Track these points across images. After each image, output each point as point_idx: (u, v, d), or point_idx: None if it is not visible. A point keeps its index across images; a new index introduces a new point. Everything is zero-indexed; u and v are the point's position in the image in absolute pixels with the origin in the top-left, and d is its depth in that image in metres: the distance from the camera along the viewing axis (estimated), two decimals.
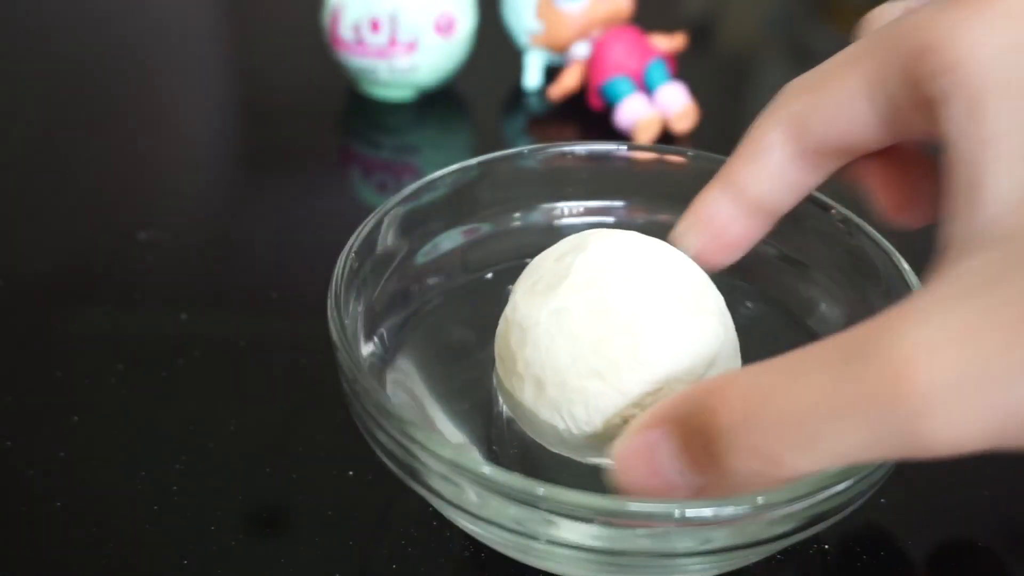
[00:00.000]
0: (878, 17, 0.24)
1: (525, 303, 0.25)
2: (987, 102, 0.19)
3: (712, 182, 0.26)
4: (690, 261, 0.26)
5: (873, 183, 0.25)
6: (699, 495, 0.20)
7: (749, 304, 0.32)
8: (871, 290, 0.29)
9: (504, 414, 0.28)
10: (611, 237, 0.26)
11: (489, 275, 0.32)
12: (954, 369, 0.16)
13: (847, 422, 0.17)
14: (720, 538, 0.21)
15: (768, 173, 0.25)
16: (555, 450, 0.26)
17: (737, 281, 0.32)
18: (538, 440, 0.26)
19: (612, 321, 0.24)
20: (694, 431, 0.19)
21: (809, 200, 0.30)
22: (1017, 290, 0.16)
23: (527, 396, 0.25)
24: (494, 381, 0.27)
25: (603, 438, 0.24)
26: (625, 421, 0.24)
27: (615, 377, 0.24)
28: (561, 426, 0.24)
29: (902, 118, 0.22)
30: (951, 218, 0.19)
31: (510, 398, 0.26)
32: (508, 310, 0.26)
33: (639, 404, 0.24)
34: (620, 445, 0.21)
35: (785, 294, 0.31)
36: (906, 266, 0.27)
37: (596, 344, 0.24)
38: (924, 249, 0.28)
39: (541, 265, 0.26)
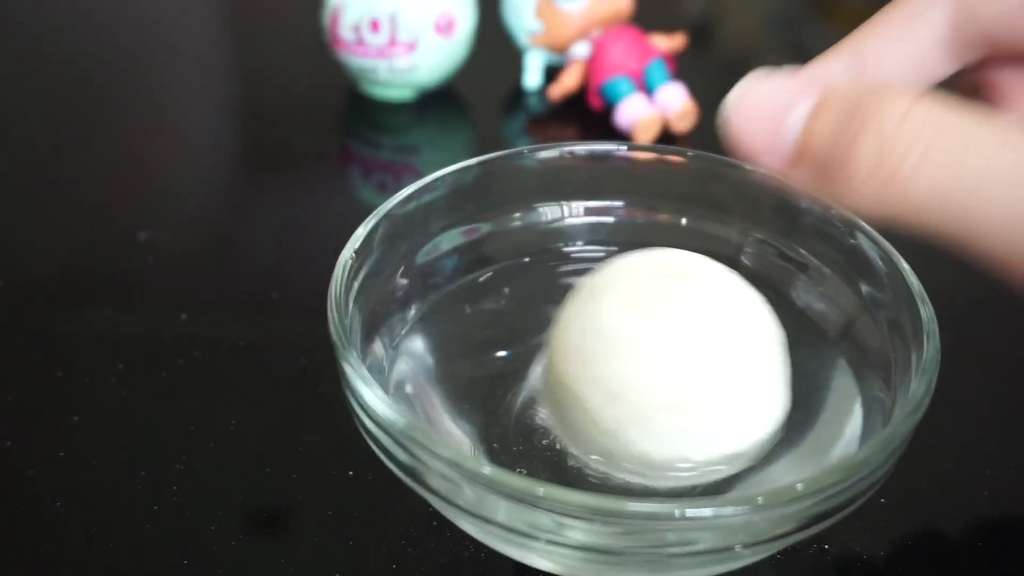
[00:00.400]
0: None
1: (621, 315, 0.25)
2: None
3: (835, 52, 0.23)
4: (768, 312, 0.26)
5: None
6: (793, 168, 0.19)
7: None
8: (871, 290, 0.29)
9: (514, 411, 0.28)
10: (715, 273, 0.26)
11: (489, 275, 0.32)
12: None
13: (1005, 200, 0.16)
14: (720, 538, 0.21)
15: (909, 54, 0.22)
16: (587, 457, 0.26)
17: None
18: (570, 442, 0.26)
19: (710, 366, 0.24)
20: (844, 107, 0.18)
21: (809, 200, 0.30)
22: None
23: (592, 403, 0.25)
24: (537, 372, 0.27)
25: (645, 464, 0.25)
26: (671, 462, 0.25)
27: (690, 424, 0.24)
28: (613, 443, 0.25)
29: None
30: None
31: (567, 396, 0.26)
32: (591, 312, 0.26)
33: (687, 457, 0.25)
34: (751, 87, 0.19)
35: (785, 294, 0.31)
36: (906, 266, 0.27)
37: (688, 383, 0.24)
38: (924, 249, 0.28)
39: (635, 279, 0.26)
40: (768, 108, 0.19)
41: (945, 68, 0.23)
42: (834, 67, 0.23)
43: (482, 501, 0.22)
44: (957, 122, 0.17)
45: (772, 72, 0.20)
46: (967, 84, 0.24)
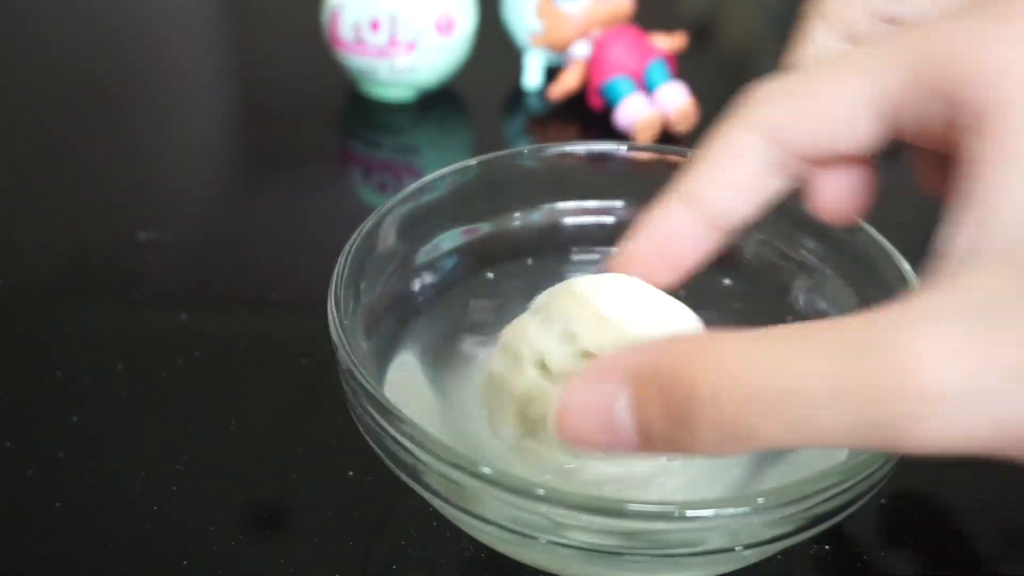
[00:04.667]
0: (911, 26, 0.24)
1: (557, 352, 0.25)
2: (1014, 120, 0.19)
3: (668, 196, 0.25)
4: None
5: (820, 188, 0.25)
6: (649, 449, 0.19)
7: (748, 303, 0.31)
8: (871, 290, 0.29)
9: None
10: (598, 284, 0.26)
11: (489, 275, 0.32)
12: (960, 377, 0.17)
13: (833, 407, 0.17)
14: (720, 538, 0.21)
15: (736, 184, 0.24)
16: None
17: (736, 281, 0.32)
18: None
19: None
20: (661, 390, 0.19)
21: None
22: None
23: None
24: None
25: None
26: None
27: None
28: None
29: (908, 126, 0.22)
30: (962, 226, 0.19)
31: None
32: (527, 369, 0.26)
33: None
34: (569, 394, 0.20)
35: (785, 294, 0.31)
36: (906, 266, 0.27)
37: None
38: (924, 249, 0.28)
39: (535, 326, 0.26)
40: (592, 406, 0.20)
41: (775, 187, 0.24)
42: (672, 211, 0.25)
43: (482, 501, 0.22)
44: (761, 361, 0.18)
45: (584, 373, 0.20)
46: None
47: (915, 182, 0.26)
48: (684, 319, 0.26)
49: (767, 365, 0.18)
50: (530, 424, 0.25)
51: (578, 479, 0.25)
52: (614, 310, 0.25)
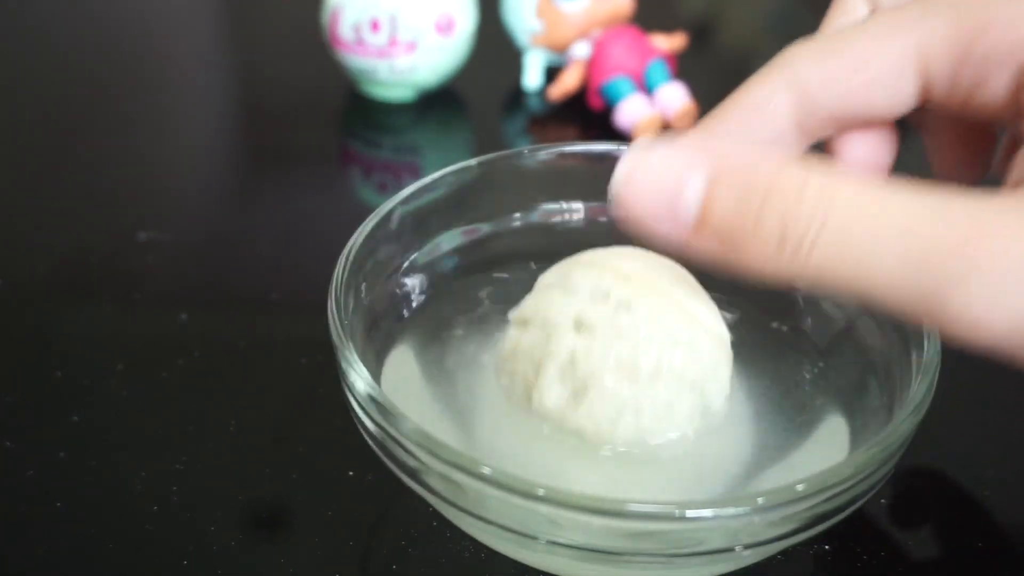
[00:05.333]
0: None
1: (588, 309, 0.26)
2: None
3: (681, 146, 0.24)
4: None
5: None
6: (696, 240, 0.19)
7: (748, 303, 0.31)
8: None
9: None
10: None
11: (489, 275, 0.32)
12: (1014, 259, 0.17)
13: (897, 256, 0.18)
14: (720, 538, 0.21)
15: (759, 138, 0.24)
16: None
17: (735, 280, 0.32)
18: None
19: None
20: (743, 179, 0.19)
21: None
22: None
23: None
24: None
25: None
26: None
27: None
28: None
29: (952, 89, 0.22)
30: None
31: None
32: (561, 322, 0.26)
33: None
34: (642, 158, 0.20)
35: (785, 294, 0.31)
36: None
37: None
38: None
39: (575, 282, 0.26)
40: (662, 182, 0.19)
41: (794, 147, 0.24)
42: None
43: (482, 501, 0.22)
44: (848, 191, 0.18)
45: (655, 142, 0.20)
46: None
47: (932, 165, 0.25)
48: (691, 279, 0.27)
49: (852, 197, 0.18)
50: (579, 384, 0.25)
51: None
52: (634, 269, 0.26)
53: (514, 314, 0.28)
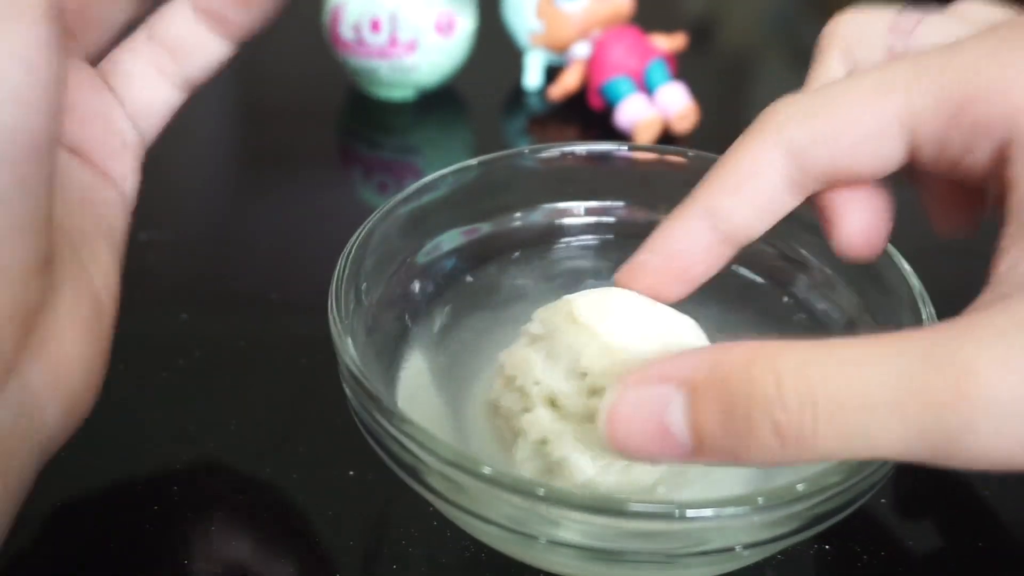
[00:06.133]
0: (847, 23, 0.24)
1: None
2: None
3: (684, 210, 0.25)
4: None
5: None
6: (701, 457, 0.19)
7: (747, 303, 0.32)
8: (871, 290, 0.29)
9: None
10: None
11: (489, 275, 0.32)
12: (1015, 389, 0.17)
13: (894, 417, 0.18)
14: (720, 538, 0.21)
15: (754, 201, 0.24)
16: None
17: (736, 280, 0.32)
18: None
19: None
20: (720, 394, 0.19)
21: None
22: None
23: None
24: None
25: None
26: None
27: None
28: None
29: (927, 149, 0.22)
30: (1012, 250, 0.20)
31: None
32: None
33: None
34: (619, 399, 0.20)
35: (785, 294, 0.31)
36: (907, 266, 0.27)
37: None
38: (924, 249, 0.28)
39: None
40: (644, 421, 0.19)
41: (790, 204, 0.25)
42: (689, 226, 0.25)
43: (482, 501, 0.22)
44: (823, 369, 0.18)
45: (627, 378, 0.20)
46: (807, 205, 0.25)
47: (928, 218, 0.26)
48: (691, 336, 0.26)
49: (830, 371, 0.18)
50: (551, 464, 0.25)
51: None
52: (621, 337, 0.25)
53: (501, 357, 0.27)
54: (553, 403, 0.25)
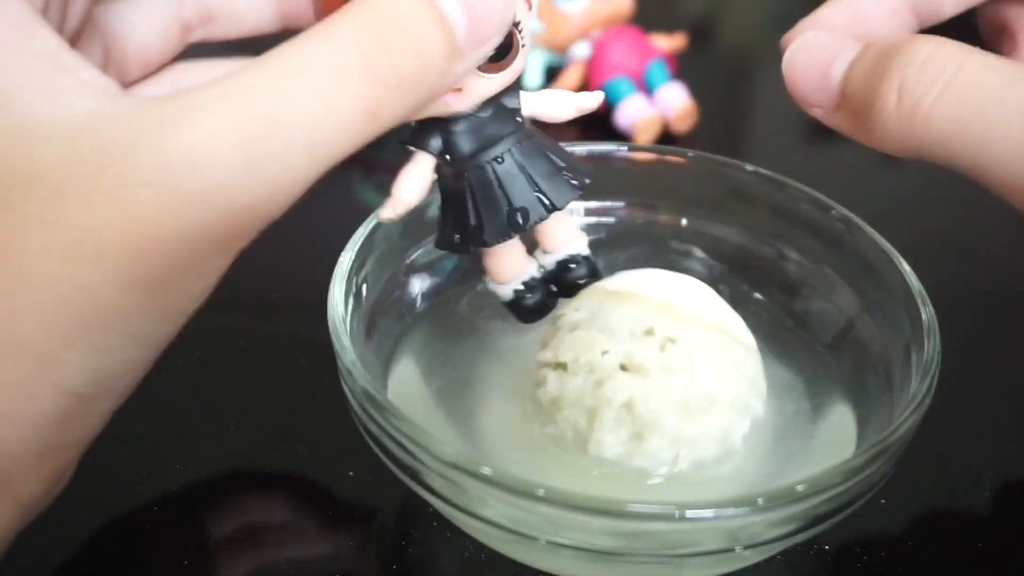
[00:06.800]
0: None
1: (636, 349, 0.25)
2: None
3: (831, 3, 0.25)
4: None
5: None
6: (839, 110, 0.20)
7: (747, 303, 0.32)
8: (871, 290, 0.29)
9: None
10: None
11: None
12: None
13: (1002, 123, 0.18)
14: (720, 538, 0.21)
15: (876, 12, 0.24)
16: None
17: (736, 280, 0.32)
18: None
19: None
20: (881, 53, 0.19)
21: (809, 200, 0.30)
22: None
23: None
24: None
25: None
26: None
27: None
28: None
29: None
30: None
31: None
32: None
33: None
34: (813, 35, 0.21)
35: (785, 294, 0.31)
36: (906, 267, 0.27)
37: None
38: (924, 249, 0.28)
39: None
40: (819, 56, 0.21)
41: (948, 8, 0.24)
42: (834, 17, 0.24)
43: (482, 501, 0.22)
44: (974, 61, 0.18)
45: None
46: (991, 19, 0.25)
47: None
48: (716, 299, 0.27)
49: (979, 67, 0.18)
50: (639, 428, 0.25)
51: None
52: (667, 295, 0.26)
53: (544, 355, 0.27)
54: (626, 367, 0.25)
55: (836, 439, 0.27)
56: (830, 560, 0.28)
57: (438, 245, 0.26)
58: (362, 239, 0.28)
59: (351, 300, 0.27)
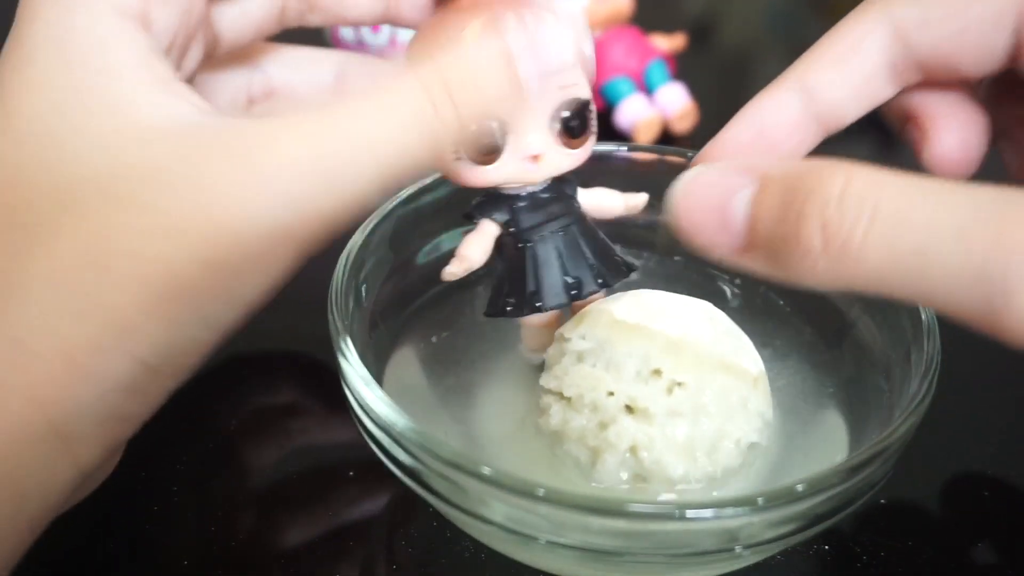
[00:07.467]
0: None
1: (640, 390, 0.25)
2: None
3: (778, 84, 0.24)
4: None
5: (929, 122, 0.24)
6: (745, 255, 0.19)
7: (748, 304, 0.32)
8: None
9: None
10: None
11: (490, 275, 0.32)
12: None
13: (945, 251, 0.17)
14: (720, 538, 0.21)
15: (852, 82, 0.23)
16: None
17: (737, 280, 0.32)
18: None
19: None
20: (784, 187, 0.18)
21: None
22: None
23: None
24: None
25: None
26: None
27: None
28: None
29: None
30: None
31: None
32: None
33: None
34: (699, 175, 0.20)
35: (785, 293, 0.32)
36: None
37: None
38: None
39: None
40: (712, 197, 0.20)
41: (885, 92, 0.24)
42: (782, 99, 0.24)
43: (482, 501, 0.22)
44: (892, 188, 0.18)
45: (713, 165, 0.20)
46: (898, 111, 0.25)
47: (1008, 171, 0.25)
48: (727, 321, 0.27)
49: (905, 189, 0.17)
50: (643, 471, 0.25)
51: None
52: (677, 330, 0.25)
53: (548, 383, 0.27)
54: (632, 409, 0.25)
55: (835, 439, 0.27)
56: (830, 560, 0.28)
57: (488, 313, 0.27)
58: (363, 239, 0.28)
59: (351, 300, 0.27)
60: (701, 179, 0.20)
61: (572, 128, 0.25)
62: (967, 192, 0.17)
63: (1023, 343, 0.17)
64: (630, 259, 0.28)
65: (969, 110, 0.24)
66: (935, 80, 0.23)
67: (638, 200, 0.28)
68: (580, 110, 0.25)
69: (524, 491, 0.21)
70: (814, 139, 0.25)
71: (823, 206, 0.18)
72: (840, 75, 0.24)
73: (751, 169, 0.19)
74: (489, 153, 0.25)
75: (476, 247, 0.26)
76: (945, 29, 0.22)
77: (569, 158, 0.26)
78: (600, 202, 0.28)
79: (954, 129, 0.24)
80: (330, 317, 0.25)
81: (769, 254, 0.19)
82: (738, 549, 0.21)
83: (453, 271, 0.26)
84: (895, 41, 0.23)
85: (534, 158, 0.25)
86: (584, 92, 0.26)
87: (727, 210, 0.19)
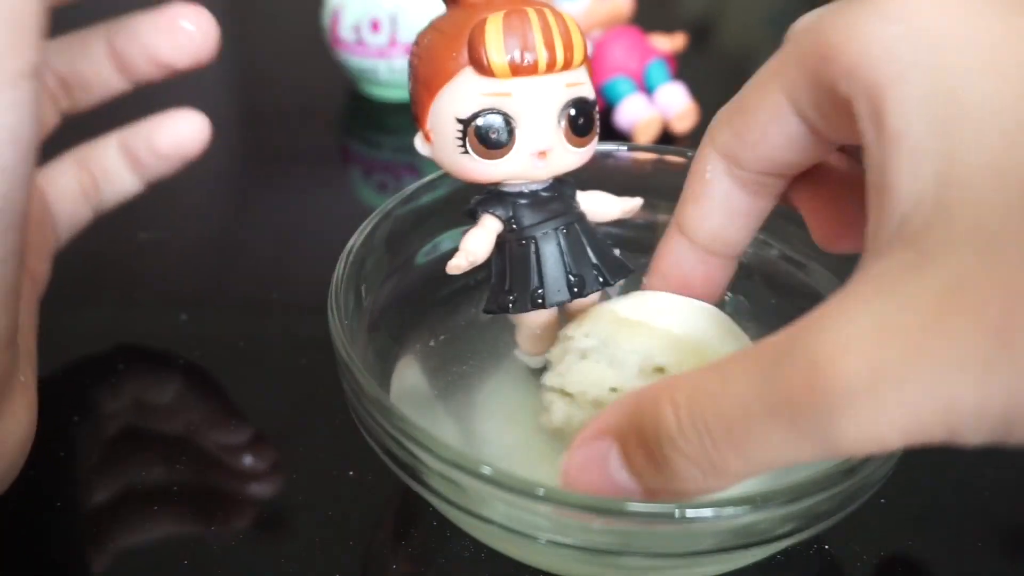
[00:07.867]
0: (801, 26, 0.24)
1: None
2: (885, 99, 0.18)
3: (668, 230, 0.26)
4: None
5: (805, 209, 0.25)
6: (653, 498, 0.20)
7: (748, 303, 0.32)
8: None
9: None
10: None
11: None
12: (866, 367, 0.16)
13: (772, 423, 0.17)
14: (720, 538, 0.21)
15: (716, 209, 0.24)
16: None
17: (737, 279, 0.32)
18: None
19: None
20: (638, 440, 0.19)
21: None
22: (922, 288, 0.16)
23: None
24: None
25: None
26: None
27: None
28: None
29: (829, 127, 0.21)
30: (869, 219, 0.19)
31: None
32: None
33: None
34: (569, 459, 0.21)
35: (785, 294, 0.31)
36: None
37: None
38: None
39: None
40: (591, 470, 0.20)
41: (761, 204, 0.25)
42: (670, 245, 0.26)
43: (482, 501, 0.22)
44: (707, 389, 0.18)
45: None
46: (787, 203, 0.25)
47: (814, 238, 0.25)
48: (726, 321, 0.27)
49: (714, 392, 0.18)
50: None
51: None
52: (679, 328, 0.25)
53: (551, 380, 0.26)
54: None
55: None
56: (830, 560, 0.28)
57: (488, 310, 0.27)
58: (362, 239, 0.28)
59: (351, 300, 0.27)
60: (573, 463, 0.21)
61: (579, 126, 0.25)
62: (753, 357, 0.18)
63: (863, 452, 0.17)
64: (627, 262, 0.28)
65: (835, 185, 0.24)
66: (788, 176, 0.24)
67: (633, 204, 0.28)
68: (586, 109, 0.25)
69: (524, 491, 0.21)
70: (719, 271, 0.26)
71: (673, 445, 0.18)
72: (705, 208, 0.25)
73: (604, 429, 0.20)
74: (496, 148, 0.25)
75: (480, 241, 0.26)
76: (752, 138, 0.23)
77: (574, 156, 0.26)
78: (597, 205, 0.28)
79: (824, 206, 0.24)
80: (330, 317, 0.25)
81: (666, 492, 0.19)
82: (738, 549, 0.21)
83: (458, 263, 0.26)
84: (728, 163, 0.24)
85: (541, 154, 0.25)
86: (589, 92, 0.26)
87: (612, 479, 0.20)
